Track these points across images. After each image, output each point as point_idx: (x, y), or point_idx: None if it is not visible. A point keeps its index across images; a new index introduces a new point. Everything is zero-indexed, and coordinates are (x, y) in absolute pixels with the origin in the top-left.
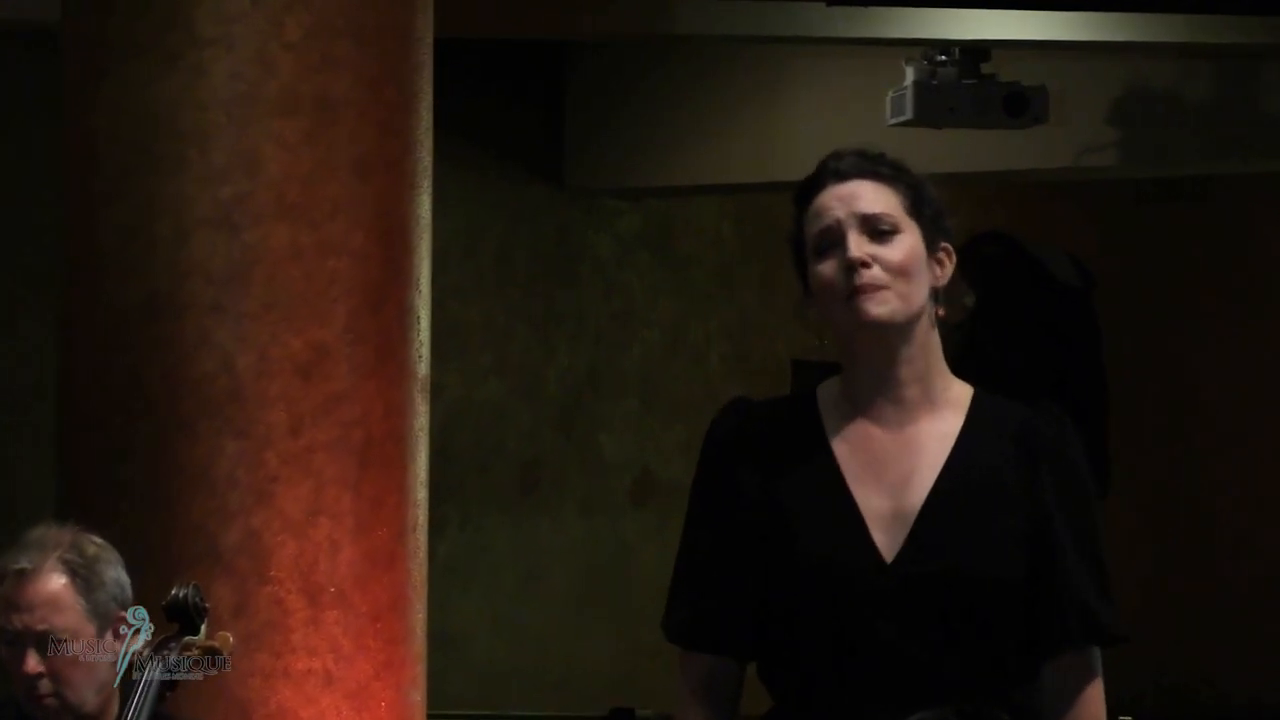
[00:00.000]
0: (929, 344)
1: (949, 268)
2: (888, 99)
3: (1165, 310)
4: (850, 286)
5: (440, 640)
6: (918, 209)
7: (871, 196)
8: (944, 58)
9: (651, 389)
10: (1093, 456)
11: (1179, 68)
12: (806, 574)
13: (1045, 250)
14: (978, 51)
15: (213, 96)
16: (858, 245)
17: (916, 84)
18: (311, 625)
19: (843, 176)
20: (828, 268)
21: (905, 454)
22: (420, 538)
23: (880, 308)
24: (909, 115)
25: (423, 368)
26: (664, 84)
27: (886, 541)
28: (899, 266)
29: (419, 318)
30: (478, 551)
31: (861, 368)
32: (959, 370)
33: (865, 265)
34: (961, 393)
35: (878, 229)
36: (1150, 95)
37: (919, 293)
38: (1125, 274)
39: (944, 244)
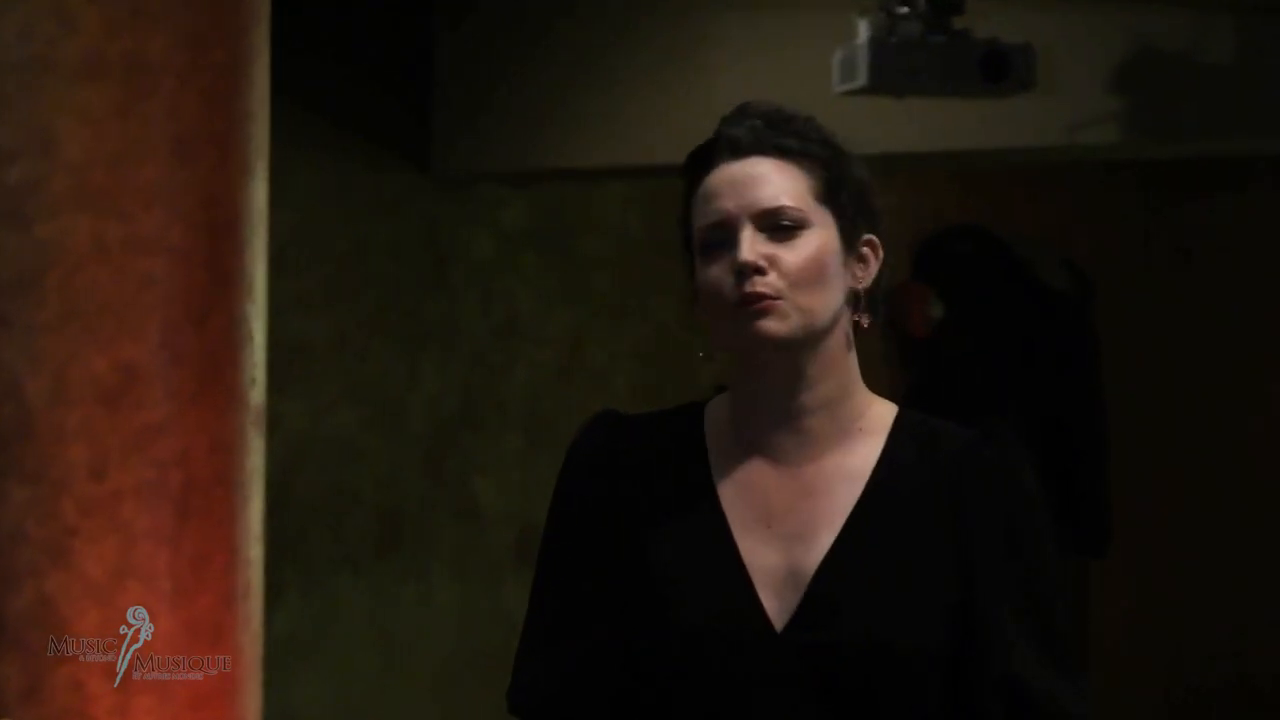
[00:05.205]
0: (843, 363)
1: (874, 266)
2: (835, 60)
3: (1182, 325)
4: (739, 296)
5: None
6: (833, 194)
7: (774, 182)
8: (905, 9)
9: (541, 423)
10: (1091, 504)
11: (1195, 23)
12: (680, 642)
13: (1031, 249)
14: (948, 2)
15: None
16: (751, 245)
17: (872, 41)
18: (118, 714)
19: (739, 151)
20: (716, 270)
21: (805, 498)
22: (253, 606)
23: (775, 324)
24: (862, 81)
25: (257, 394)
26: (559, 44)
27: (777, 606)
28: (801, 273)
29: (252, 332)
30: (325, 623)
31: (754, 390)
32: (922, 400)
33: (759, 271)
34: (881, 417)
35: (779, 224)
36: (1160, 57)
37: (829, 302)
38: (1130, 279)
39: (867, 237)
